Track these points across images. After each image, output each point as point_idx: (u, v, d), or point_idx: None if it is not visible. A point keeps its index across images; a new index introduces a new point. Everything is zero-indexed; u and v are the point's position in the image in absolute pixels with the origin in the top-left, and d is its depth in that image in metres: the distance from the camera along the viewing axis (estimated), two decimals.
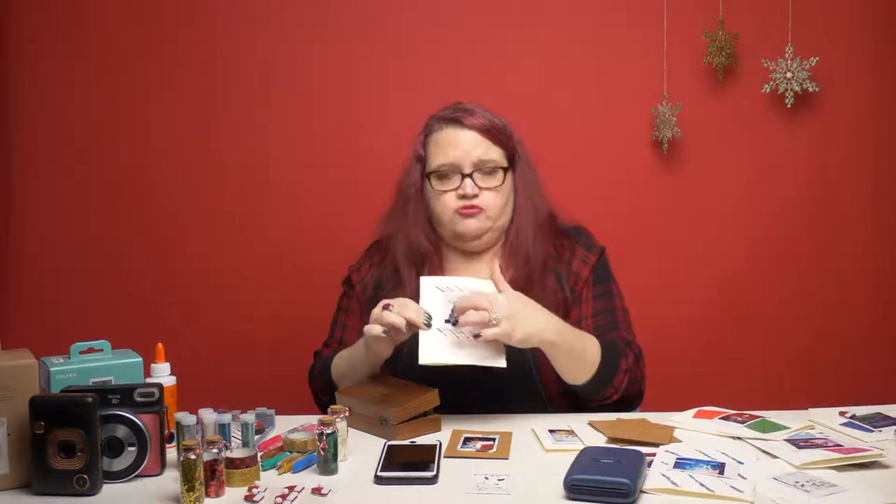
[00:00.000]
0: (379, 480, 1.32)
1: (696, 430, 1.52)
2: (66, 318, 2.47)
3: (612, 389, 1.67)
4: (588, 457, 1.32)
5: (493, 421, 1.60)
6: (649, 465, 1.33)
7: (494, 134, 1.76)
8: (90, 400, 1.29)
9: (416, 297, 1.64)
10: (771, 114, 2.42)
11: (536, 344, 1.59)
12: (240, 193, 2.49)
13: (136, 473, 1.35)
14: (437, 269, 1.79)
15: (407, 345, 1.64)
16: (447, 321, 1.58)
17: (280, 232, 2.49)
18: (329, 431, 1.35)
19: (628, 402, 1.71)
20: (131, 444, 1.34)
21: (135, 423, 1.34)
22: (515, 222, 1.79)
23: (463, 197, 1.73)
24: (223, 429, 1.42)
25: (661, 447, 1.42)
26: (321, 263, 2.32)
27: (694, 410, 1.61)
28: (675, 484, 1.27)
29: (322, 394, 1.79)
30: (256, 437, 1.47)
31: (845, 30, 2.41)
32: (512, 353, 1.60)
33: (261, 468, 1.36)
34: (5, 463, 1.32)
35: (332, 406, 1.43)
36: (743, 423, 1.53)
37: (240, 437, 1.44)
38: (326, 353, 1.81)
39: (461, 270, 1.80)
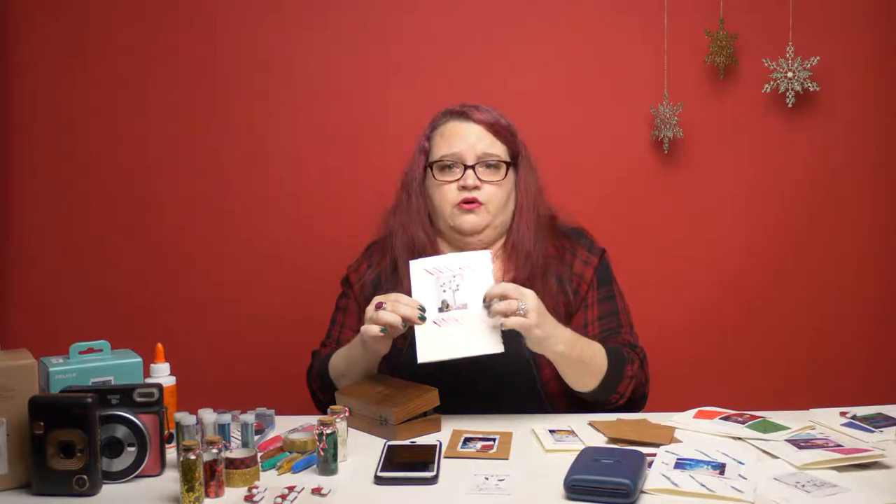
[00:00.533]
0: (379, 480, 1.32)
1: (696, 431, 1.52)
2: (66, 318, 2.47)
3: (618, 395, 1.68)
4: (588, 457, 1.31)
5: (493, 421, 1.60)
6: (650, 465, 1.33)
7: (499, 130, 1.78)
8: (90, 400, 1.29)
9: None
10: (772, 114, 2.42)
11: (548, 350, 1.59)
12: (240, 193, 2.49)
13: (135, 474, 1.35)
14: None
15: (407, 342, 1.64)
16: (440, 309, 1.58)
17: (280, 232, 2.49)
18: (329, 431, 1.35)
19: (633, 404, 1.72)
20: (131, 445, 1.34)
21: (134, 423, 1.34)
22: (516, 222, 1.79)
23: (464, 188, 1.73)
24: (223, 429, 1.42)
25: (661, 447, 1.42)
26: (321, 263, 2.32)
27: (694, 410, 1.61)
28: (675, 484, 1.27)
29: (321, 393, 1.79)
30: (256, 438, 1.47)
31: (846, 29, 2.41)
32: (511, 353, 1.59)
33: (260, 468, 1.36)
34: (5, 463, 1.32)
35: (331, 406, 1.43)
36: (743, 423, 1.52)
37: (239, 438, 1.44)
38: (324, 353, 1.81)
39: None
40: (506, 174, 1.76)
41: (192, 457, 1.24)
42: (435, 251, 1.77)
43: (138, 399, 1.35)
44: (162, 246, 2.50)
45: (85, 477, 1.29)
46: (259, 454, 1.40)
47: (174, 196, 2.49)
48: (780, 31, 2.36)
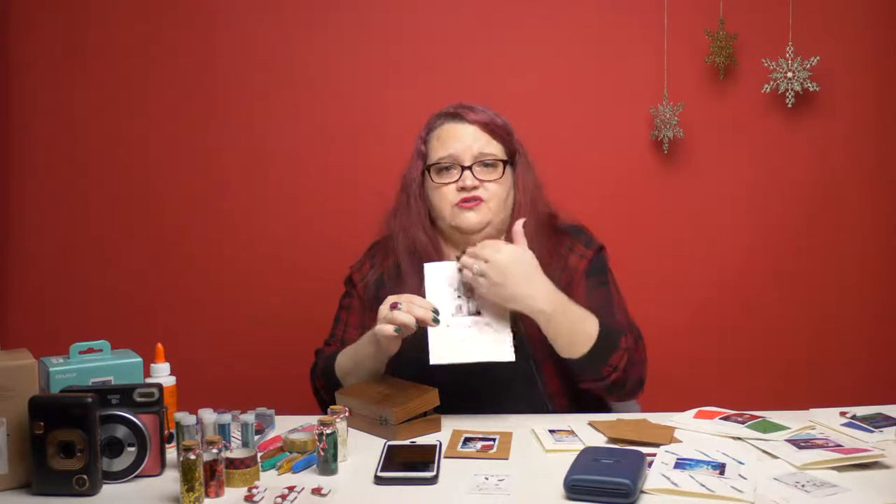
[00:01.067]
0: (379, 480, 1.32)
1: (696, 431, 1.52)
2: (66, 318, 2.47)
3: (611, 368, 1.64)
4: (588, 457, 1.31)
5: (493, 421, 1.60)
6: (649, 465, 1.33)
7: (495, 129, 1.78)
8: (90, 400, 1.29)
9: (417, 291, 1.64)
10: (771, 114, 2.42)
11: (525, 309, 1.61)
12: (240, 193, 2.49)
13: (135, 474, 1.35)
14: None
15: (409, 343, 1.64)
16: (453, 314, 1.61)
17: (280, 232, 2.49)
18: (329, 431, 1.35)
19: (629, 388, 1.69)
20: (131, 445, 1.34)
21: (134, 423, 1.34)
22: (515, 219, 1.79)
23: (462, 189, 1.74)
24: (223, 429, 1.42)
25: (661, 447, 1.42)
26: (321, 263, 2.32)
27: (694, 411, 1.60)
28: (675, 484, 1.27)
29: (324, 392, 1.79)
30: (256, 438, 1.47)
31: (846, 29, 2.41)
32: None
33: (260, 468, 1.36)
34: (5, 463, 1.32)
35: (331, 406, 1.43)
36: (743, 423, 1.52)
37: (240, 438, 1.44)
38: (328, 352, 1.81)
39: None
40: (503, 173, 1.77)
41: (192, 457, 1.24)
42: (438, 253, 1.78)
43: (138, 399, 1.35)
44: (162, 246, 2.50)
45: (85, 477, 1.29)
46: (259, 454, 1.40)
47: (174, 196, 2.49)
48: (780, 31, 2.36)
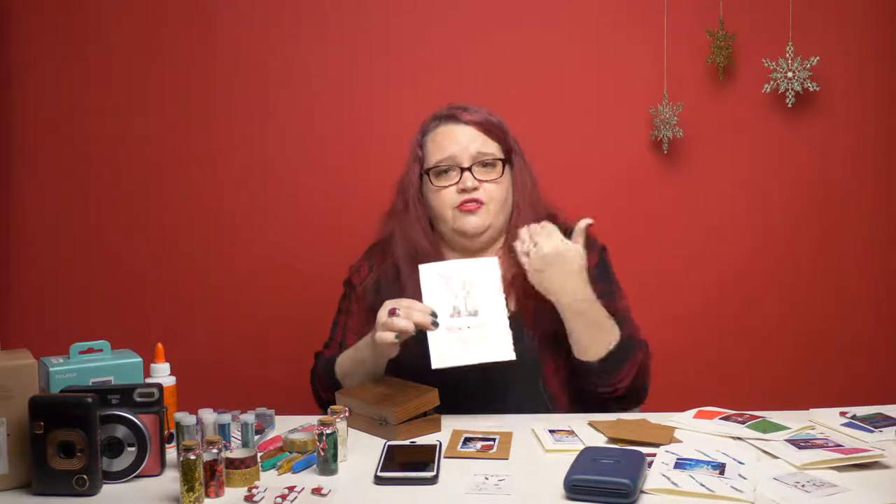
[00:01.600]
0: (379, 480, 1.32)
1: (696, 431, 1.52)
2: (66, 318, 2.47)
3: (618, 380, 1.67)
4: (588, 457, 1.31)
5: (493, 421, 1.60)
6: (649, 465, 1.33)
7: (490, 129, 1.77)
8: (90, 400, 1.29)
9: (416, 293, 1.64)
10: (772, 114, 2.42)
11: (556, 302, 1.65)
12: (240, 193, 2.49)
13: (135, 474, 1.35)
14: None
15: (409, 344, 1.64)
16: (452, 315, 1.61)
17: (280, 232, 2.49)
18: (329, 431, 1.35)
19: (633, 398, 1.72)
20: (131, 445, 1.34)
21: (134, 423, 1.34)
22: (514, 219, 1.79)
23: (463, 191, 1.73)
24: (223, 429, 1.42)
25: (661, 447, 1.42)
26: (321, 263, 2.32)
27: (694, 410, 1.60)
28: (675, 484, 1.27)
29: (325, 395, 1.79)
30: (256, 438, 1.47)
31: (846, 29, 2.41)
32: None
33: (261, 468, 1.36)
34: (5, 463, 1.32)
35: (331, 406, 1.43)
36: (743, 423, 1.52)
37: (239, 438, 1.44)
38: (327, 355, 1.81)
39: None
40: (502, 172, 1.76)
41: (192, 457, 1.24)
42: (439, 257, 1.78)
43: (138, 399, 1.35)
44: (162, 246, 2.50)
45: (85, 477, 1.29)
46: (259, 454, 1.40)
47: (174, 196, 2.49)
48: (780, 31, 2.36)
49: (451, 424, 1.57)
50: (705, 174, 2.46)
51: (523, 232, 1.68)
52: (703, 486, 1.25)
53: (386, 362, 1.69)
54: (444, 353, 1.60)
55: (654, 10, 2.40)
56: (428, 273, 1.64)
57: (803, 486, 1.25)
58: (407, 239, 1.78)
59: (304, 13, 2.45)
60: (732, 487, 1.25)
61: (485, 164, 1.75)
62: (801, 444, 1.41)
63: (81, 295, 2.49)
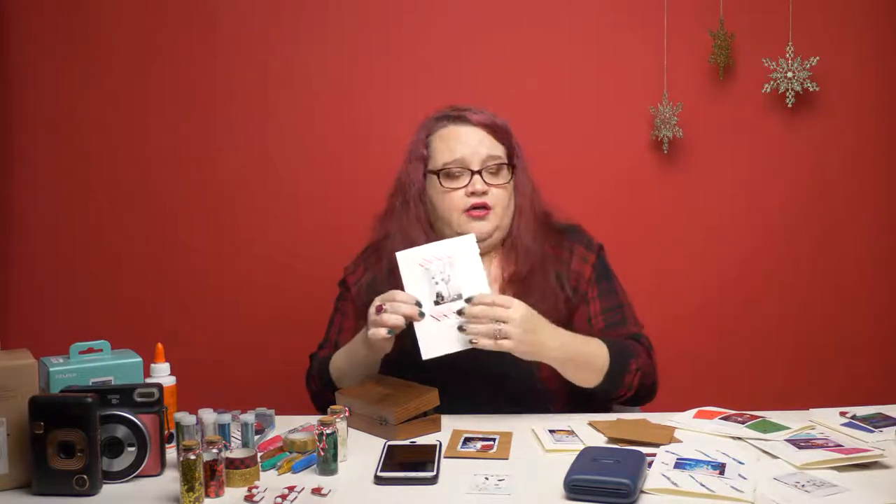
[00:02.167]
0: (379, 480, 1.32)
1: (696, 431, 1.52)
2: (66, 318, 2.47)
3: (625, 389, 1.68)
4: (588, 457, 1.31)
5: (493, 421, 1.60)
6: (649, 465, 1.33)
7: (497, 131, 1.77)
8: (90, 400, 1.29)
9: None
10: (771, 114, 2.42)
11: (540, 358, 1.61)
12: (239, 193, 2.49)
13: (135, 474, 1.35)
14: None
15: (409, 343, 1.64)
16: (436, 303, 1.59)
17: (280, 232, 2.49)
18: (329, 431, 1.35)
19: (643, 395, 1.72)
20: (131, 445, 1.34)
21: (134, 423, 1.34)
22: (515, 220, 1.79)
23: (473, 194, 1.73)
24: (223, 429, 1.42)
25: (661, 447, 1.42)
26: (321, 263, 2.32)
27: (694, 410, 1.61)
28: (675, 484, 1.27)
29: (321, 395, 1.79)
30: (256, 438, 1.47)
31: (845, 30, 2.41)
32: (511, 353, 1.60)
33: (261, 468, 1.36)
34: (5, 463, 1.32)
35: (332, 406, 1.43)
36: (743, 423, 1.52)
37: (239, 438, 1.44)
38: (322, 356, 1.81)
39: None
40: (510, 176, 1.76)
41: (192, 457, 1.24)
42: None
43: (138, 399, 1.35)
44: (162, 246, 2.50)
45: (85, 477, 1.29)
46: (259, 454, 1.40)
47: (174, 196, 2.49)
48: (780, 32, 2.36)
49: (451, 424, 1.57)
50: (705, 174, 2.46)
51: (478, 328, 1.54)
52: (703, 486, 1.26)
53: (380, 360, 1.69)
54: (433, 342, 1.58)
55: (654, 10, 2.40)
56: (406, 260, 1.62)
57: (803, 486, 1.25)
58: (406, 238, 1.77)
59: (304, 13, 2.45)
60: (732, 487, 1.25)
61: (493, 170, 1.74)
62: (801, 444, 1.41)
63: (81, 295, 2.49)
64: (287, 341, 2.38)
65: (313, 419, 1.52)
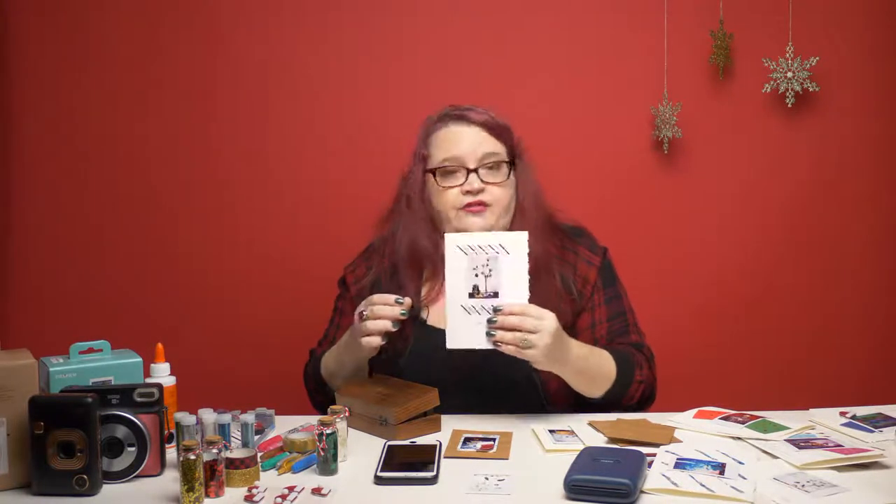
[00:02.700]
0: (379, 480, 1.32)
1: (696, 431, 1.52)
2: (66, 318, 2.47)
3: (627, 399, 1.69)
4: (588, 457, 1.31)
5: (493, 421, 1.60)
6: (649, 465, 1.33)
7: (497, 130, 1.77)
8: (90, 400, 1.29)
9: (417, 298, 1.64)
10: (771, 114, 2.42)
11: (553, 369, 1.61)
12: (239, 193, 2.49)
13: (135, 474, 1.35)
14: (438, 269, 1.78)
15: (409, 345, 1.64)
16: (471, 294, 1.57)
17: (280, 232, 2.49)
18: (329, 431, 1.35)
19: (641, 403, 1.73)
20: (131, 445, 1.34)
21: (134, 423, 1.34)
22: (517, 220, 1.79)
23: (468, 193, 1.72)
24: (223, 429, 1.42)
25: (661, 447, 1.42)
26: (321, 263, 2.31)
27: (694, 411, 1.61)
28: (675, 484, 1.27)
29: (315, 392, 1.81)
30: (256, 438, 1.47)
31: (846, 29, 2.41)
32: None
33: (261, 468, 1.36)
34: (5, 463, 1.32)
35: (331, 406, 1.43)
36: (743, 423, 1.52)
37: (239, 438, 1.44)
38: (319, 352, 1.83)
39: None
40: (508, 174, 1.76)
41: (192, 457, 1.24)
42: (440, 257, 1.76)
43: (138, 399, 1.35)
44: (162, 246, 2.50)
45: (85, 477, 1.29)
46: (259, 454, 1.40)
47: (174, 196, 2.49)
48: (780, 31, 2.36)
49: (451, 424, 1.57)
50: (705, 174, 2.46)
51: (507, 336, 1.52)
52: (703, 486, 1.26)
53: (366, 360, 1.70)
54: (460, 334, 1.56)
55: (654, 10, 2.40)
56: (452, 244, 1.59)
57: (803, 486, 1.25)
58: (409, 237, 1.77)
59: (304, 13, 2.45)
60: (732, 487, 1.25)
61: (491, 166, 1.74)
62: (801, 444, 1.41)
63: (81, 295, 2.49)
64: (287, 341, 2.37)
65: (313, 419, 1.52)
